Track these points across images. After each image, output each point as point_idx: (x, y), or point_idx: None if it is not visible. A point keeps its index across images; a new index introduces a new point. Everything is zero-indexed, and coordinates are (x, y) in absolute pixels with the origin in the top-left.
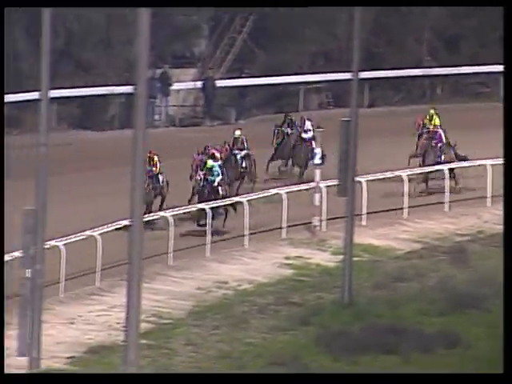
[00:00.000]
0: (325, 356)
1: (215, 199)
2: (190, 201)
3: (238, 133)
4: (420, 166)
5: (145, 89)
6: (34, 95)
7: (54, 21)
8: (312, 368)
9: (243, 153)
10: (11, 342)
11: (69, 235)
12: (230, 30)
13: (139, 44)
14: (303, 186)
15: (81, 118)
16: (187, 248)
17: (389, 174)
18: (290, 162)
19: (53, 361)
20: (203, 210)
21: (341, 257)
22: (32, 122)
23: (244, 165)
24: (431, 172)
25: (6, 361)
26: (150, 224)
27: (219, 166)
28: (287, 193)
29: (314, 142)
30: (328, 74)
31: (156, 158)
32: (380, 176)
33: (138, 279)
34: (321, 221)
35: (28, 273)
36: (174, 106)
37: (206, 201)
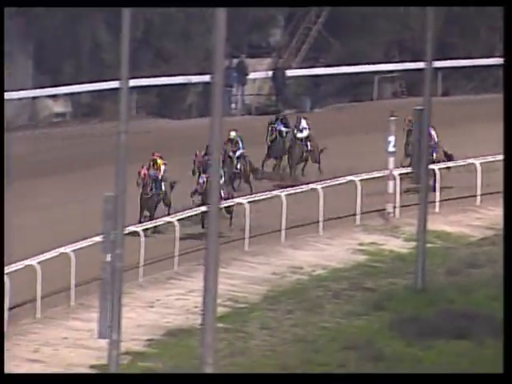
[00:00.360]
0: (398, 341)
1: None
2: (192, 197)
3: (233, 134)
4: (410, 164)
5: (222, 78)
6: (115, 84)
7: (134, 12)
8: (386, 353)
9: (238, 153)
10: (93, 325)
11: (148, 221)
12: (305, 20)
13: (216, 35)
14: (376, 174)
15: (159, 106)
16: (262, 234)
17: (461, 162)
18: (284, 161)
19: (132, 343)
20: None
21: (414, 243)
22: (112, 110)
23: (238, 166)
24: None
25: (88, 342)
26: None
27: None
28: (360, 180)
29: (309, 142)
30: (402, 64)
31: (160, 161)
32: (452, 164)
33: (215, 264)
34: (394, 207)
35: (108, 257)
36: (250, 94)
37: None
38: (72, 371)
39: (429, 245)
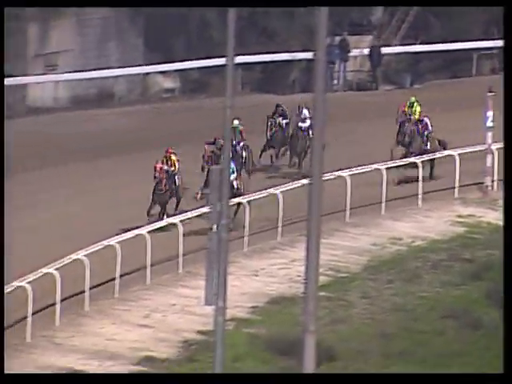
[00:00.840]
0: (495, 310)
1: (232, 195)
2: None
3: (236, 122)
4: (405, 153)
5: (324, 55)
6: (221, 61)
7: None
8: (484, 321)
9: (242, 144)
10: (200, 292)
11: (252, 193)
12: None
13: (319, 13)
14: (474, 149)
15: (264, 82)
16: (362, 206)
17: None
18: (284, 152)
19: (237, 310)
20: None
21: None
22: (219, 86)
23: (244, 156)
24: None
25: (195, 309)
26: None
27: (233, 161)
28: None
29: (311, 131)
30: (500, 41)
31: (174, 157)
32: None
33: (317, 235)
34: (493, 181)
35: (214, 227)
36: (352, 71)
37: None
38: (180, 337)
39: None
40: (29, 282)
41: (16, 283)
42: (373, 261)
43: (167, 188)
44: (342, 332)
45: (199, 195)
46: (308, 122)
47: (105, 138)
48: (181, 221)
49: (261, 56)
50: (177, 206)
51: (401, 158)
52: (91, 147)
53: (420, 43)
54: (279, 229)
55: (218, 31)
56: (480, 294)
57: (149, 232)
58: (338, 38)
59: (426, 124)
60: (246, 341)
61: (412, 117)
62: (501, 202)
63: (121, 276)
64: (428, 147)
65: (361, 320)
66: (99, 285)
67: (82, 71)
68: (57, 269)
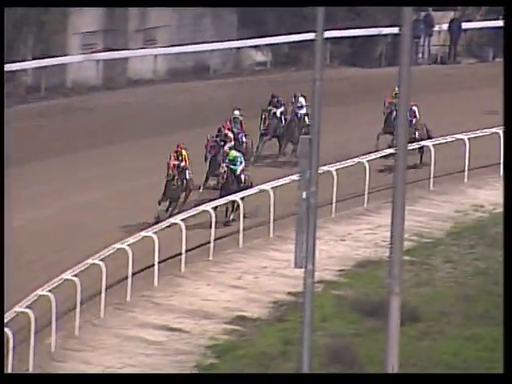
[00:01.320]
0: None
1: (239, 189)
2: (200, 187)
3: (236, 113)
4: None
5: (410, 30)
6: (311, 36)
7: None
8: None
9: (304, 110)
10: (289, 256)
11: (339, 161)
12: None
13: None
14: None
15: (351, 56)
16: (445, 175)
17: None
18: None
19: (325, 273)
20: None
21: None
22: (308, 59)
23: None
24: None
25: (285, 271)
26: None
27: (241, 154)
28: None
29: (307, 118)
30: None
31: (185, 152)
32: None
33: (402, 202)
34: None
35: (304, 194)
36: (436, 45)
37: (231, 193)
38: (271, 297)
39: None
40: (129, 245)
41: (117, 245)
42: (455, 227)
43: (179, 184)
44: (426, 294)
45: (201, 189)
46: (304, 110)
47: (200, 108)
48: (272, 187)
49: (349, 31)
50: (186, 198)
51: (389, 147)
52: (187, 117)
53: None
54: (365, 196)
55: (307, 7)
56: None
57: (242, 198)
58: (423, 14)
59: (415, 112)
60: (333, 302)
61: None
62: None
63: (215, 240)
64: (416, 135)
65: (444, 283)
66: (194, 248)
67: (179, 45)
68: (155, 232)
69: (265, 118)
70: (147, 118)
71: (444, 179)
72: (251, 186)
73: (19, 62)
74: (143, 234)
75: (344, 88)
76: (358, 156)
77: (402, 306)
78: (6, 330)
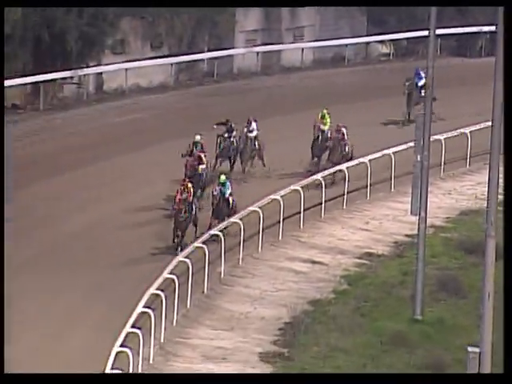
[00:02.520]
0: None
1: (228, 211)
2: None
3: (197, 137)
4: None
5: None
6: (425, 33)
7: None
8: None
9: (255, 133)
10: (407, 206)
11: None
12: None
13: None
14: None
15: (457, 48)
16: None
17: None
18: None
19: (435, 220)
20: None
21: None
22: (423, 51)
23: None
24: None
25: (403, 218)
26: None
27: (228, 179)
28: None
29: (256, 142)
30: None
31: (190, 185)
32: None
33: (497, 163)
34: None
35: (418, 157)
36: None
37: (223, 215)
38: (392, 238)
39: None
40: (282, 196)
41: (272, 196)
42: None
43: (187, 216)
44: None
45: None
46: (255, 133)
47: (337, 89)
48: (393, 152)
49: (455, 29)
50: (196, 230)
51: (315, 170)
52: (327, 96)
53: None
54: (468, 159)
55: (421, 10)
56: None
57: (370, 160)
58: None
59: (344, 134)
60: (441, 242)
61: (325, 129)
62: None
63: (348, 193)
64: (348, 155)
65: None
66: (331, 199)
67: (322, 40)
68: (302, 187)
69: (220, 142)
70: (296, 98)
71: None
72: (236, 212)
73: (198, 53)
74: (292, 187)
75: (450, 74)
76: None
77: (496, 246)
78: (187, 260)
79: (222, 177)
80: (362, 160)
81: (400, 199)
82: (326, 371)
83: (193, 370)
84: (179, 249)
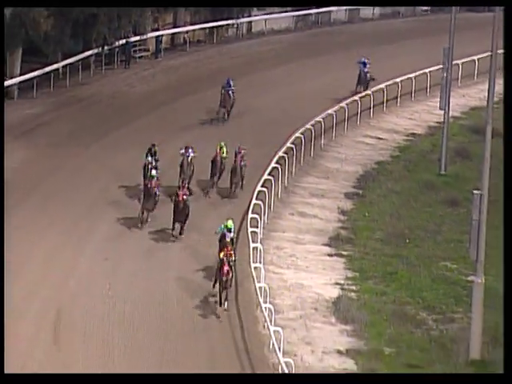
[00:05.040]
0: None
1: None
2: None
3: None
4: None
5: None
6: None
7: None
8: None
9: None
10: (436, 103)
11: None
12: None
13: None
14: None
15: None
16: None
17: None
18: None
19: (454, 112)
20: None
21: None
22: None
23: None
24: None
25: (434, 110)
26: None
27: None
28: None
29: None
30: None
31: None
32: None
33: (493, 78)
34: None
35: (445, 74)
36: None
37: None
38: (427, 123)
39: None
40: (362, 96)
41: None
42: None
43: (185, 207)
44: None
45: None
46: (191, 155)
47: (392, 32)
48: (429, 72)
49: None
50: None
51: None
52: (386, 35)
53: None
54: (476, 75)
55: None
56: None
57: (415, 77)
58: None
59: (242, 156)
60: (458, 127)
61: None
62: None
63: (400, 96)
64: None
65: None
66: (390, 100)
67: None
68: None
69: (145, 165)
70: (368, 36)
71: None
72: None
73: (308, 9)
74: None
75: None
76: None
77: (493, 130)
78: (301, 135)
79: (230, 222)
80: (408, 76)
81: (433, 100)
82: (385, 205)
83: (303, 202)
84: None
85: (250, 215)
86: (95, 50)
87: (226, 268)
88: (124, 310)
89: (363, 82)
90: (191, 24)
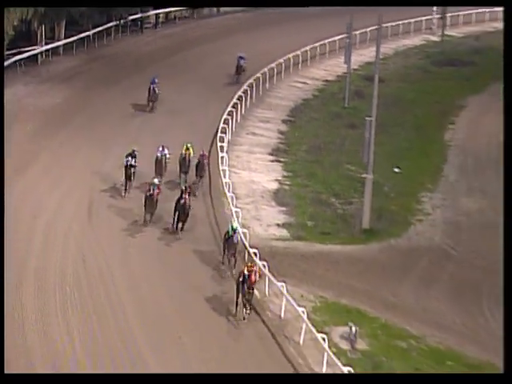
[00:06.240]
0: None
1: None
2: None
3: (135, 150)
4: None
5: None
6: None
7: None
8: None
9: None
10: (341, 60)
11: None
12: None
13: None
14: None
15: None
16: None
17: None
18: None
19: (354, 66)
20: None
21: None
22: None
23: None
24: None
25: (340, 65)
26: None
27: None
28: None
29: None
30: None
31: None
32: None
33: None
34: None
35: (347, 41)
36: None
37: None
38: (336, 73)
39: None
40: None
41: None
42: None
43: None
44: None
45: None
46: (166, 152)
47: None
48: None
49: None
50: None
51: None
52: None
53: None
54: (368, 40)
55: None
56: None
57: (329, 42)
58: None
59: (204, 155)
60: (357, 76)
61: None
62: None
63: (320, 55)
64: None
65: None
66: (312, 57)
67: None
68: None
69: (126, 165)
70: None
71: None
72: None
73: None
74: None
75: None
76: None
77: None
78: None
79: (235, 224)
80: (324, 42)
81: (340, 58)
82: (308, 128)
83: (254, 126)
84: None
85: (219, 134)
86: (115, 23)
87: (253, 278)
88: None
89: (240, 70)
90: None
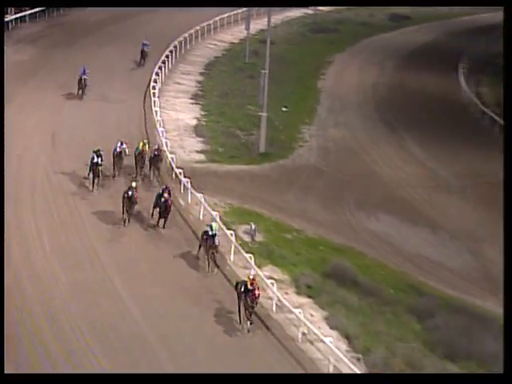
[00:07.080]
0: None
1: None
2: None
3: (124, 146)
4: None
5: None
6: None
7: None
8: None
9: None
10: (242, 29)
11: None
12: None
13: None
14: None
15: None
16: None
17: None
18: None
19: (253, 32)
20: None
21: None
22: None
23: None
24: None
25: (239, 35)
26: None
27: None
28: None
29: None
30: None
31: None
32: None
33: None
34: None
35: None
36: None
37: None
38: (237, 39)
39: None
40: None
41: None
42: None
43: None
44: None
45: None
46: (125, 147)
47: None
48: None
49: None
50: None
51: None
52: None
53: None
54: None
55: None
56: None
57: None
58: None
59: (159, 149)
60: (255, 39)
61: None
62: None
63: (227, 24)
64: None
65: None
66: (222, 25)
67: None
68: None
69: (91, 160)
70: None
71: None
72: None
73: None
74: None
75: None
76: None
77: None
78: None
79: (214, 224)
80: (230, 13)
81: (242, 26)
82: (219, 78)
83: (179, 77)
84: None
85: (152, 84)
86: None
87: (256, 292)
88: None
89: (144, 55)
90: None
